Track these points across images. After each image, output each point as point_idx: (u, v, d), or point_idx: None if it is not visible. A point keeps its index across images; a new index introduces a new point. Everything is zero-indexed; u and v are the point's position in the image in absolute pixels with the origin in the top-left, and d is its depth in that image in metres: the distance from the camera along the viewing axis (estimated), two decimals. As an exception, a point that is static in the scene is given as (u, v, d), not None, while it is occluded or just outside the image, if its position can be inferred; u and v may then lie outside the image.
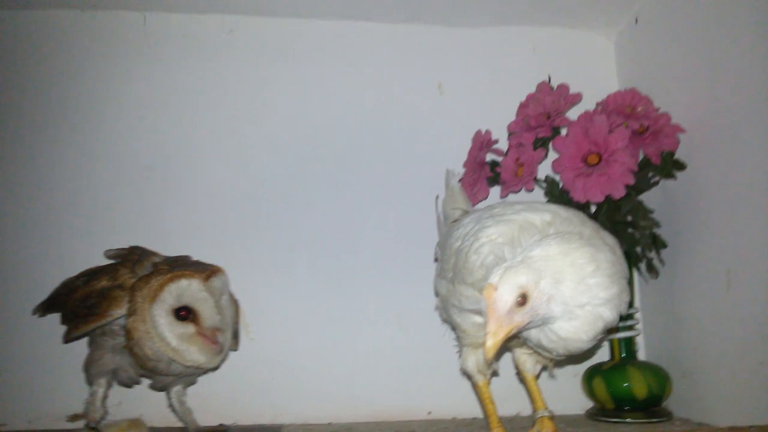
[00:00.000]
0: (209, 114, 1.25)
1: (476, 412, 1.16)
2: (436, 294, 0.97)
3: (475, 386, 0.89)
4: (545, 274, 0.70)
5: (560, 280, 0.70)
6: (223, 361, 1.01)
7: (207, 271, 0.96)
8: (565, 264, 0.70)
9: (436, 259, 1.03)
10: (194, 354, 0.93)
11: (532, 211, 0.81)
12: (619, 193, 0.97)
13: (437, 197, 1.13)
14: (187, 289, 0.93)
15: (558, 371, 1.08)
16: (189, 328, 0.93)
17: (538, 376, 0.92)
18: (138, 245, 1.05)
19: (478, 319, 0.82)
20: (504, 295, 0.69)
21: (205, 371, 1.01)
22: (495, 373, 0.90)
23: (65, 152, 1.20)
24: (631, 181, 0.97)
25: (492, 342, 0.69)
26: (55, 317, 1.03)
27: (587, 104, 1.10)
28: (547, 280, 0.70)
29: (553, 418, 0.89)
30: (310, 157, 1.25)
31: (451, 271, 0.87)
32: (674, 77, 1.12)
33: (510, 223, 0.79)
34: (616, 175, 0.97)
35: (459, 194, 1.08)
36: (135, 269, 0.97)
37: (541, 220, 0.79)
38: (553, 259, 0.70)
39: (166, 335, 0.91)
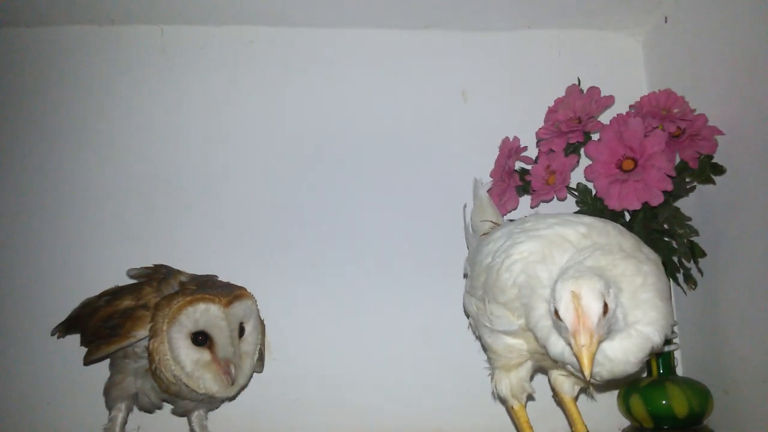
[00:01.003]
0: (228, 126, 1.23)
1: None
2: (466, 312, 0.93)
3: (510, 410, 0.85)
4: (609, 283, 0.65)
5: (620, 289, 0.65)
6: (241, 391, 0.98)
7: (230, 296, 0.92)
8: (616, 274, 0.66)
9: (465, 275, 0.99)
10: (208, 382, 0.90)
11: (565, 224, 0.77)
12: (656, 199, 0.93)
13: (465, 206, 1.10)
14: (205, 314, 0.89)
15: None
16: (205, 355, 0.90)
17: (576, 398, 0.88)
18: (163, 264, 1.02)
19: (510, 340, 0.79)
20: (592, 302, 0.63)
21: (222, 400, 0.98)
22: (530, 397, 0.86)
23: (83, 168, 1.19)
24: (669, 186, 0.93)
25: (588, 357, 0.62)
26: (74, 338, 1.01)
27: (617, 108, 1.07)
28: (612, 289, 0.65)
29: (595, 440, 0.84)
30: (334, 170, 1.23)
31: (480, 288, 0.83)
32: (709, 77, 1.07)
33: (542, 239, 0.75)
34: (653, 181, 0.93)
35: (488, 205, 1.04)
36: (161, 288, 0.94)
37: (575, 234, 0.75)
38: (606, 270, 0.66)
39: (182, 359, 0.88)
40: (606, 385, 0.85)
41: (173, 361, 0.88)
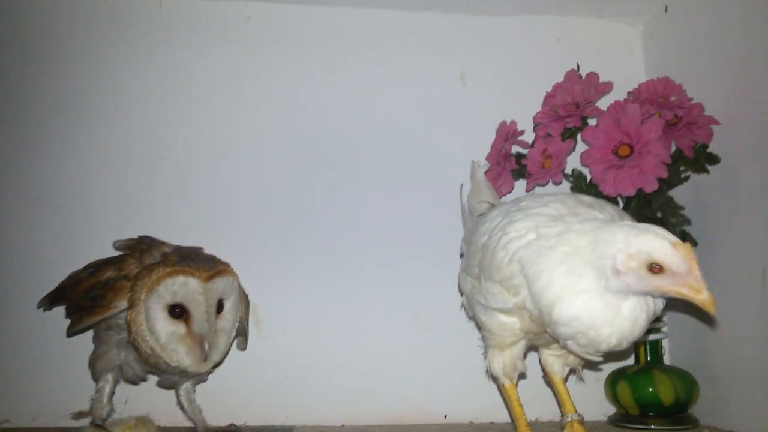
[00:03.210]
0: (225, 102, 1.21)
1: (494, 416, 1.13)
2: (461, 291, 0.93)
3: (501, 389, 0.85)
4: None
5: None
6: (214, 368, 0.96)
7: (211, 271, 0.90)
8: None
9: (461, 255, 0.99)
10: (181, 355, 0.88)
11: (559, 202, 0.78)
12: (651, 186, 0.93)
13: (461, 186, 1.10)
14: (184, 287, 0.88)
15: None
16: (180, 328, 0.88)
17: (566, 379, 0.88)
18: (148, 235, 1.01)
19: (504, 318, 0.79)
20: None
21: (193, 375, 0.96)
22: (522, 375, 0.86)
23: (76, 140, 1.17)
24: (665, 174, 0.93)
25: (710, 296, 0.66)
26: (60, 311, 1.00)
27: (614, 96, 1.06)
28: None
29: (583, 422, 0.84)
30: (328, 150, 1.21)
31: (477, 267, 0.83)
32: (707, 67, 1.07)
33: (539, 217, 0.75)
34: (648, 168, 0.93)
35: (485, 187, 1.04)
36: (142, 259, 0.92)
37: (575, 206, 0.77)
38: None
39: (157, 330, 0.87)
40: (592, 364, 0.86)
41: (148, 332, 0.86)
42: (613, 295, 0.68)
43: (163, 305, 0.87)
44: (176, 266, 0.88)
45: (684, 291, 0.67)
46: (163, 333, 0.87)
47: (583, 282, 0.68)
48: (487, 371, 0.86)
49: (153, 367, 0.90)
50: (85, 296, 0.91)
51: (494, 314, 0.80)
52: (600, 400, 1.11)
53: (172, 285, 0.87)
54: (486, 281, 0.79)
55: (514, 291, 0.75)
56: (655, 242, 0.67)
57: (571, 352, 0.76)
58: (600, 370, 1.13)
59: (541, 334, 0.81)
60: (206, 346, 0.89)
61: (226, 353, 0.97)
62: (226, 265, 0.94)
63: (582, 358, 0.83)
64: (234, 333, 0.96)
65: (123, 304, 0.88)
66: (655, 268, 0.67)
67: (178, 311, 0.88)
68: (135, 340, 0.87)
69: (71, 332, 0.93)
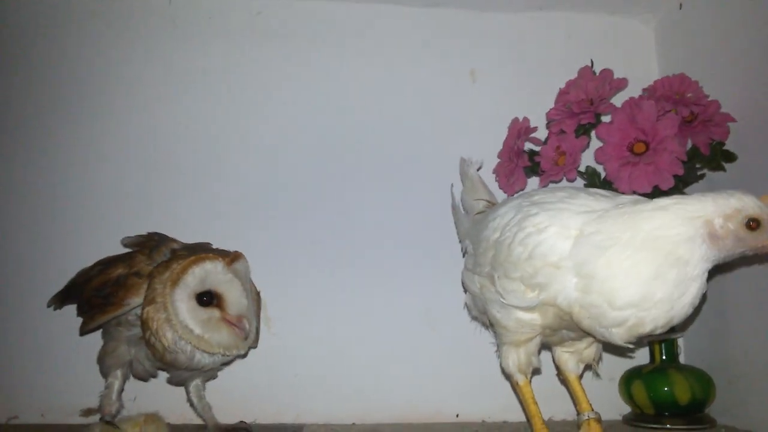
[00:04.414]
0: (233, 98, 1.21)
1: (506, 415, 1.12)
2: (465, 290, 0.92)
3: (515, 387, 0.84)
4: None
5: None
6: (249, 350, 0.97)
7: (230, 256, 0.91)
8: None
9: (464, 254, 0.97)
10: (224, 338, 0.88)
11: (574, 197, 0.77)
12: (667, 183, 0.92)
13: (452, 186, 1.09)
14: (212, 272, 0.88)
15: (593, 374, 1.03)
16: (214, 314, 0.88)
17: (581, 377, 0.87)
18: (156, 231, 1.00)
19: (522, 314, 0.78)
20: None
21: (230, 361, 0.96)
22: (537, 371, 0.85)
23: (85, 136, 1.17)
24: (681, 171, 0.92)
25: None
26: (70, 309, 0.99)
27: (627, 93, 1.04)
28: None
29: (600, 420, 0.83)
30: (337, 146, 1.21)
31: (488, 265, 0.82)
32: (722, 64, 1.06)
33: (560, 211, 0.74)
34: (664, 165, 0.92)
35: (480, 184, 1.04)
36: (152, 255, 0.92)
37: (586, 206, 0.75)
38: None
39: (189, 322, 0.86)
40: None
41: (180, 326, 0.86)
42: (677, 274, 0.68)
43: (190, 294, 0.87)
44: (198, 254, 0.88)
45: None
46: (196, 323, 0.87)
47: (652, 264, 0.68)
48: (501, 368, 0.84)
49: (168, 364, 0.90)
50: (96, 294, 0.91)
51: (512, 311, 0.78)
52: (614, 399, 1.09)
53: (199, 273, 0.87)
54: (501, 279, 0.78)
55: (539, 288, 0.74)
56: (745, 199, 0.69)
57: (594, 341, 0.76)
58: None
59: (558, 331, 0.80)
60: (246, 324, 0.89)
61: (258, 329, 0.98)
62: (239, 251, 0.95)
63: (600, 355, 0.82)
64: (255, 321, 0.96)
65: (136, 300, 0.87)
66: (752, 224, 0.69)
67: (206, 299, 0.88)
68: (153, 337, 0.86)
69: (84, 331, 0.93)
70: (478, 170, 1.06)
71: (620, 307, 0.69)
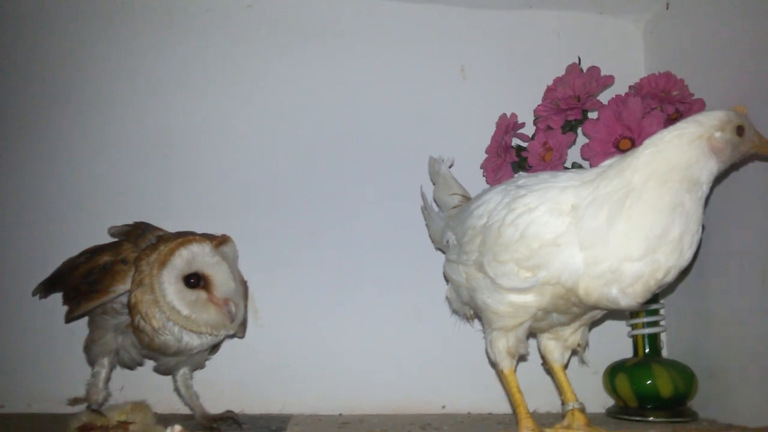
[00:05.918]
0: (225, 92, 1.21)
1: (491, 407, 1.13)
2: (447, 281, 0.93)
3: (500, 375, 0.85)
4: None
5: None
6: (237, 332, 0.97)
7: (218, 238, 0.91)
8: None
9: (446, 246, 0.98)
10: (212, 317, 0.88)
11: (557, 176, 0.79)
12: (652, 179, 0.93)
13: (421, 187, 1.10)
14: (199, 254, 0.88)
15: (577, 368, 1.04)
16: (201, 295, 0.88)
17: (566, 366, 0.88)
18: (143, 221, 1.00)
19: (516, 297, 0.78)
20: None
21: (218, 344, 0.96)
22: (523, 358, 0.86)
23: (77, 127, 1.16)
24: (665, 167, 0.93)
25: None
26: (56, 298, 0.99)
27: (614, 92, 1.06)
28: None
29: (584, 410, 0.84)
30: (327, 140, 1.21)
31: (476, 252, 0.82)
32: (708, 64, 1.08)
33: (547, 190, 0.76)
34: (649, 161, 0.93)
35: (452, 180, 1.05)
36: (138, 243, 0.92)
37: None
38: None
39: (176, 303, 0.86)
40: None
41: (167, 307, 0.86)
42: (690, 200, 0.72)
43: (177, 276, 0.87)
44: (185, 236, 0.88)
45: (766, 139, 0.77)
46: (184, 304, 0.87)
47: (666, 197, 0.72)
48: (488, 355, 0.85)
49: (156, 350, 0.89)
50: (83, 281, 0.91)
51: (504, 295, 0.78)
52: (598, 392, 1.11)
53: (186, 254, 0.87)
54: (491, 263, 0.78)
55: (537, 269, 0.74)
56: (724, 112, 0.75)
57: (580, 327, 0.79)
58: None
59: (549, 315, 0.80)
60: (233, 307, 0.89)
61: (245, 319, 0.98)
62: (226, 234, 0.95)
63: (586, 341, 0.85)
64: (243, 308, 0.96)
65: (121, 287, 0.87)
66: (740, 131, 0.75)
67: (193, 281, 0.88)
68: (141, 321, 0.86)
69: (69, 318, 0.93)
70: (450, 167, 1.07)
71: (638, 257, 0.70)
